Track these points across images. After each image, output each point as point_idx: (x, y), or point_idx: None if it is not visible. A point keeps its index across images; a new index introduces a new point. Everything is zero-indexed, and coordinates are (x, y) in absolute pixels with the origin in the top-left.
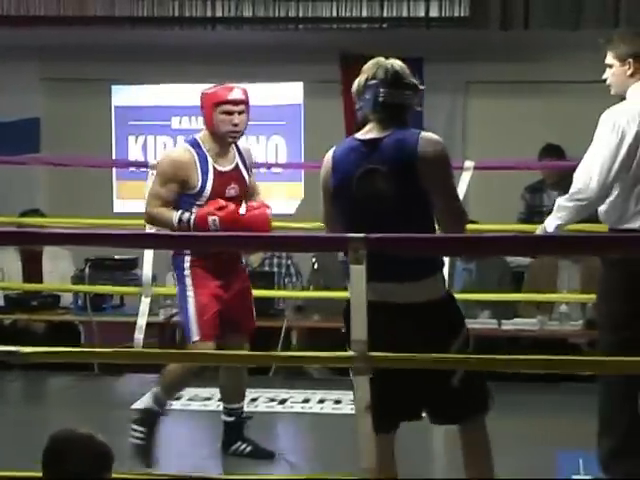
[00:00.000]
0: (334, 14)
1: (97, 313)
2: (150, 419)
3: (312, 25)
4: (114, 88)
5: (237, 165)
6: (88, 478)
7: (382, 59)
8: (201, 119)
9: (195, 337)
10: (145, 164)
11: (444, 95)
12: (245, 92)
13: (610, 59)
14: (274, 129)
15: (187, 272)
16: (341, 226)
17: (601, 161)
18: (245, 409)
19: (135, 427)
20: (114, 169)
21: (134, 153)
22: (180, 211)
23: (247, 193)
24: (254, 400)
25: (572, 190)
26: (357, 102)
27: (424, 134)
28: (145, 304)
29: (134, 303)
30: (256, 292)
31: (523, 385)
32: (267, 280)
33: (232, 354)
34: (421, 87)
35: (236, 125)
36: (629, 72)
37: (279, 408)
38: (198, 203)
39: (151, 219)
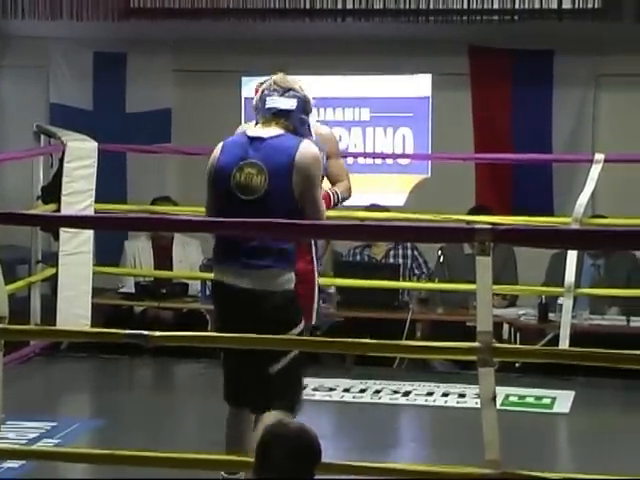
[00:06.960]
0: (464, 6)
1: None
2: None
3: (442, 17)
4: (244, 79)
5: None
6: (288, 474)
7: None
8: (329, 110)
9: None
10: None
11: (574, 88)
12: None
13: None
14: (402, 121)
15: None
16: (215, 212)
17: None
18: (369, 400)
19: None
20: None
21: None
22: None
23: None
24: (378, 392)
25: None
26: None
27: (305, 142)
28: None
29: None
30: (381, 283)
31: None
32: (393, 272)
33: (357, 342)
34: (306, 98)
35: None
36: None
37: (403, 400)
38: None
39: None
